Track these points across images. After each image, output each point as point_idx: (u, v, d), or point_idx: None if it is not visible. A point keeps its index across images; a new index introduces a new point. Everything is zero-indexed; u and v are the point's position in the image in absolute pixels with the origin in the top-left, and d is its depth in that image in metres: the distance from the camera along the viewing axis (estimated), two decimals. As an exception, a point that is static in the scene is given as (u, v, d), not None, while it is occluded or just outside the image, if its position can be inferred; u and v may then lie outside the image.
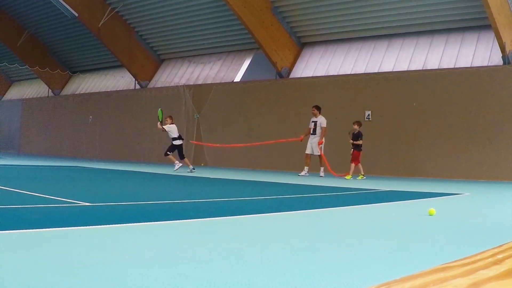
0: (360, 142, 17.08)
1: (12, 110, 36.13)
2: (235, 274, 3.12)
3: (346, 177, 16.53)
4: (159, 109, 18.76)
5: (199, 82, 26.32)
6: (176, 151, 18.18)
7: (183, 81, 26.89)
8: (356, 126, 17.12)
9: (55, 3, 24.59)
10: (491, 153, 17.58)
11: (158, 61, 28.90)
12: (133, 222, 5.35)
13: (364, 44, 21.79)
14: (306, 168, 17.63)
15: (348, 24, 21.70)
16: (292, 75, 23.09)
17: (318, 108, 17.80)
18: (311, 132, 17.75)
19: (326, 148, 18.10)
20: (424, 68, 19.67)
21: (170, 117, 18.39)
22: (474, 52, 19.03)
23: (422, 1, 19.29)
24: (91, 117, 30.36)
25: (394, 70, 20.31)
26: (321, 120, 17.63)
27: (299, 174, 17.60)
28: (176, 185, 12.53)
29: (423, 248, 4.29)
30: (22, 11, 30.33)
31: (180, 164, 18.01)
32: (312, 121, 17.79)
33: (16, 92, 38.56)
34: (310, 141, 17.76)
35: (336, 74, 21.84)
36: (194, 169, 17.76)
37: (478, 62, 18.71)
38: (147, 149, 27.05)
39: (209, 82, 25.83)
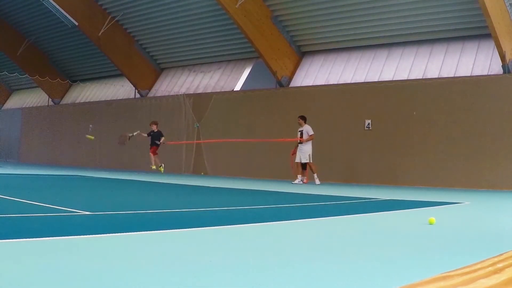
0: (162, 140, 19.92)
1: (12, 119, 36.16)
2: (236, 284, 3.12)
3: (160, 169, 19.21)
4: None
5: (199, 91, 26.35)
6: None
7: (183, 90, 26.92)
8: (154, 126, 19.96)
9: (55, 12, 24.64)
10: (491, 162, 17.57)
11: (158, 70, 28.94)
12: (133, 231, 5.34)
13: (364, 53, 21.81)
14: (299, 177, 17.94)
15: (348, 33, 21.74)
16: (292, 84, 23.11)
17: (303, 118, 18.37)
18: (299, 141, 18.29)
19: (323, 155, 18.27)
20: (424, 77, 19.69)
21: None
22: (474, 61, 19.05)
23: (422, 10, 19.33)
24: (91, 126, 30.34)
25: (394, 79, 20.33)
26: (307, 129, 18.27)
27: (292, 182, 17.80)
28: (176, 194, 12.52)
29: (423, 257, 4.28)
30: (22, 20, 30.38)
31: None
32: (299, 131, 18.30)
33: (16, 101, 38.58)
34: (298, 150, 18.13)
35: (336, 83, 21.86)
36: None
37: (478, 71, 18.73)
38: (147, 158, 27.04)
39: (209, 91, 25.86)
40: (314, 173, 18.00)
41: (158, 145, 20.10)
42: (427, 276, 3.05)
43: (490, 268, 3.10)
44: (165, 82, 28.44)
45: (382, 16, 20.30)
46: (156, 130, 20.12)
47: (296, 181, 17.84)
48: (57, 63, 32.74)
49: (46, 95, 34.30)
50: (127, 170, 25.61)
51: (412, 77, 20.02)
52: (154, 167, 19.43)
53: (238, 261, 3.91)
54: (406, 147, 19.31)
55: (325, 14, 21.37)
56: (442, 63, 19.69)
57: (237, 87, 25.08)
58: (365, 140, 20.16)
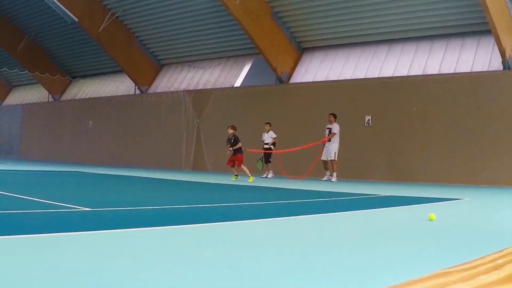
0: (239, 145, 17.24)
1: (12, 115, 36.16)
2: (235, 279, 3.12)
3: (249, 180, 16.32)
4: None
5: (199, 87, 26.32)
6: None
7: (183, 86, 26.90)
8: (231, 131, 17.35)
9: (55, 8, 24.61)
10: (491, 158, 17.56)
11: (158, 66, 28.92)
12: (134, 227, 5.34)
13: (364, 50, 21.79)
14: (327, 173, 17.97)
15: (348, 30, 21.71)
16: (292, 81, 23.09)
17: (334, 115, 18.30)
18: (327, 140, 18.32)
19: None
20: (424, 73, 19.68)
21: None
22: (474, 58, 19.03)
23: (422, 7, 19.30)
24: (91, 122, 30.37)
25: (394, 76, 20.31)
26: (335, 127, 18.22)
27: (322, 180, 17.86)
28: (176, 190, 12.53)
29: (423, 253, 4.29)
30: (22, 16, 30.36)
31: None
32: (327, 128, 18.20)
33: (16, 97, 38.57)
34: (325, 148, 18.10)
35: (336, 79, 21.85)
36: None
37: (478, 68, 18.71)
38: (147, 154, 27.05)
39: (209, 87, 25.84)
40: (334, 172, 18.00)
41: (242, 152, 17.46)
42: (427, 272, 3.05)
43: (490, 265, 3.10)
44: (165, 78, 28.43)
45: (382, 12, 20.27)
46: (232, 136, 17.41)
47: (325, 178, 17.92)
48: (57, 59, 32.71)
49: (46, 91, 34.28)
50: (127, 166, 25.62)
51: (412, 73, 20.00)
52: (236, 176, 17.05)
53: (238, 256, 3.91)
54: (406, 143, 19.30)
55: (325, 10, 21.34)
56: (442, 60, 19.67)
57: (237, 83, 25.07)
58: (365, 136, 20.15)
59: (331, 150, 18.01)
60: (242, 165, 17.13)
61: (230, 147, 17.16)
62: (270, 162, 19.27)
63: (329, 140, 18.08)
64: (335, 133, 18.08)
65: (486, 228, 6.40)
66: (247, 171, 16.84)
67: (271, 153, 19.20)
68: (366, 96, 20.32)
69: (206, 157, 24.70)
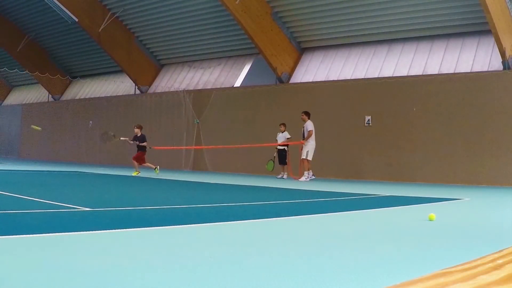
0: (145, 144, 18.67)
1: (12, 115, 36.15)
2: (236, 279, 3.12)
3: (134, 174, 18.05)
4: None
5: (199, 87, 26.33)
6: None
7: (183, 86, 26.90)
8: (137, 130, 18.76)
9: (55, 8, 24.61)
10: (491, 158, 17.57)
11: (158, 66, 28.92)
12: (133, 227, 5.34)
13: (364, 49, 21.80)
14: (306, 173, 17.79)
15: (348, 29, 21.72)
16: (292, 80, 23.10)
17: (306, 113, 18.35)
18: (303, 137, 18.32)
19: (323, 152, 18.24)
20: (424, 73, 19.68)
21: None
22: (474, 57, 19.03)
23: (422, 6, 19.31)
24: (91, 122, 30.37)
25: (394, 75, 20.31)
26: (307, 125, 18.15)
27: (300, 180, 17.67)
28: (176, 190, 12.52)
29: (423, 253, 4.28)
30: (22, 16, 30.37)
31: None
32: (303, 127, 18.20)
33: (16, 97, 38.58)
34: (303, 146, 18.12)
35: (336, 79, 21.85)
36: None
37: (478, 67, 18.71)
38: (147, 154, 27.02)
39: (209, 87, 25.84)
40: (306, 171, 17.87)
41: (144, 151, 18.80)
42: (427, 272, 3.05)
43: (490, 264, 3.10)
44: (165, 78, 28.44)
45: (382, 12, 20.28)
46: (139, 135, 18.74)
47: (303, 178, 17.74)
48: (57, 59, 32.72)
49: (46, 91, 34.30)
50: (127, 166, 25.61)
51: (412, 73, 20.01)
52: (137, 172, 18.33)
53: (238, 256, 3.91)
54: (406, 143, 19.30)
55: (325, 10, 21.35)
56: (442, 59, 19.68)
57: (237, 83, 25.08)
58: (365, 136, 20.16)
59: (304, 149, 17.95)
60: (143, 162, 18.63)
61: (137, 142, 18.51)
62: (286, 163, 19.23)
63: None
64: (310, 130, 17.99)
65: (486, 228, 6.40)
66: (139, 166, 18.54)
67: (286, 154, 19.17)
68: (366, 96, 20.33)
69: (206, 157, 24.71)
